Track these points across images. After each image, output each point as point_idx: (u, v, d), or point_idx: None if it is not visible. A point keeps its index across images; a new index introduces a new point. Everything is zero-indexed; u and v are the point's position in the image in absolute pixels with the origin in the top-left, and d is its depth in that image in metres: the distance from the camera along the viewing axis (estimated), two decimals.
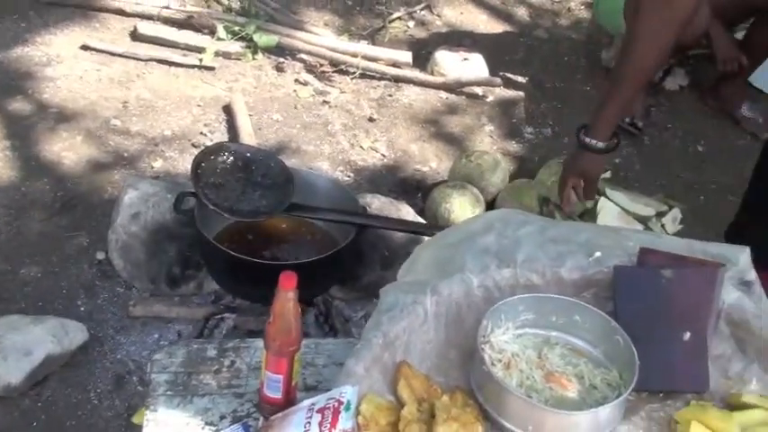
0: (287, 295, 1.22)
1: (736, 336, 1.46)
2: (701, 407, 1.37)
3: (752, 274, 1.59)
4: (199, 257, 2.46)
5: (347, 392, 1.22)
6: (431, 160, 3.23)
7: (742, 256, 1.55)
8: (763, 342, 1.43)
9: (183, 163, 2.94)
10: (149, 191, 2.51)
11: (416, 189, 3.06)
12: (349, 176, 3.08)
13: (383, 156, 3.21)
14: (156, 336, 2.35)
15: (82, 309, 2.40)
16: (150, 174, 2.89)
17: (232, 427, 1.24)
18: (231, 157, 2.43)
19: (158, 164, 2.95)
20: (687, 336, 1.42)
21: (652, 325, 1.43)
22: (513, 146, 3.38)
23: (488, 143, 3.36)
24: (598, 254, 1.51)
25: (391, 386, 1.33)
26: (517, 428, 1.31)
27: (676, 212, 3.07)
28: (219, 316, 2.40)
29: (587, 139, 2.15)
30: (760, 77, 3.78)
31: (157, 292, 2.48)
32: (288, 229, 2.49)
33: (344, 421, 1.18)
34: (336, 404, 1.21)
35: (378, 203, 2.62)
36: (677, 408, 1.39)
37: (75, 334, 2.26)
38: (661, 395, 1.42)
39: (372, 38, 3.83)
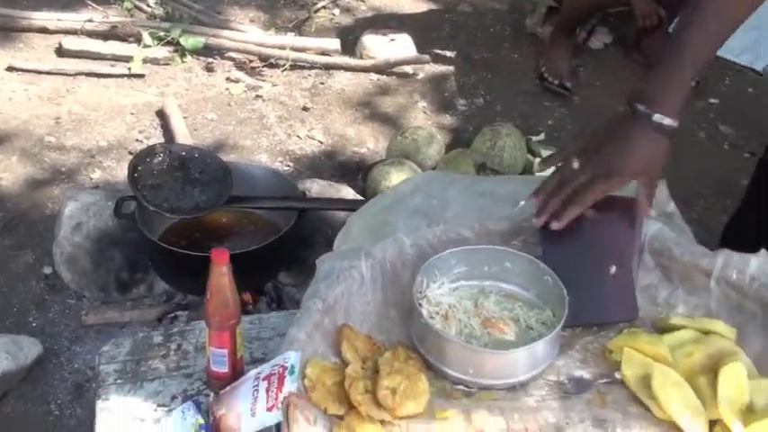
0: (221, 270, 1.26)
1: (660, 264, 1.52)
2: (633, 334, 1.43)
3: (671, 206, 1.66)
4: (146, 260, 2.48)
5: (290, 357, 1.26)
6: (368, 141, 3.28)
7: (662, 191, 1.62)
8: (684, 267, 1.50)
9: (122, 171, 2.95)
10: (89, 200, 2.52)
11: (356, 171, 3.11)
12: (289, 166, 3.12)
13: (320, 142, 3.25)
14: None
15: (34, 324, 2.41)
16: (90, 185, 2.90)
17: (183, 405, 1.27)
18: (167, 158, 2.44)
19: (97, 175, 2.96)
20: (614, 269, 1.48)
21: (580, 263, 1.48)
22: (448, 119, 3.44)
23: (423, 119, 3.42)
24: (522, 202, 1.57)
25: (335, 349, 1.37)
26: (459, 374, 1.35)
27: None
28: (172, 314, 2.43)
29: (656, 116, 1.41)
30: None
31: (108, 299, 2.50)
32: (230, 221, 2.52)
33: (290, 384, 1.22)
34: (281, 370, 1.24)
35: (317, 187, 2.66)
36: (610, 338, 1.45)
37: (30, 348, 2.27)
38: (594, 329, 1.48)
39: (299, 29, 3.87)
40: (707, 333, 1.43)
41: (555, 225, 1.45)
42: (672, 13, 3.60)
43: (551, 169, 1.51)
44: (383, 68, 3.60)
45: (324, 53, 3.64)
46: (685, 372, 1.37)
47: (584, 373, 1.41)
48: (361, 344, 1.38)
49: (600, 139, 1.46)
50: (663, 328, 1.47)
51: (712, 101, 3.68)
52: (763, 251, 1.50)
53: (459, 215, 1.54)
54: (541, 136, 3.34)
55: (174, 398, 1.35)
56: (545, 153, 3.09)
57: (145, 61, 3.49)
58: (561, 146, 3.25)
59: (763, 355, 1.41)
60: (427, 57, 3.62)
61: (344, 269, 1.43)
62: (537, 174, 2.71)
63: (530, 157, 3.08)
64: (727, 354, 1.38)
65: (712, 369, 1.35)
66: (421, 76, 3.64)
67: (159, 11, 3.75)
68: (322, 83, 3.54)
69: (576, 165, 1.44)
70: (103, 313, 2.45)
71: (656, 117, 1.40)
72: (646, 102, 1.41)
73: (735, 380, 1.32)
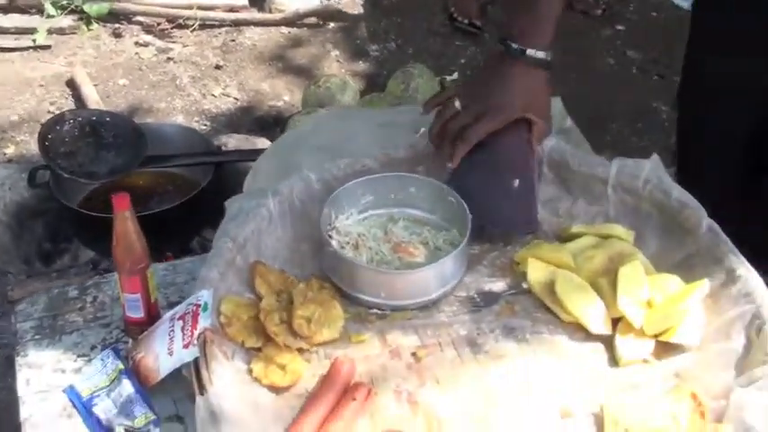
0: (123, 215, 1.27)
1: (560, 177, 1.58)
2: (537, 245, 1.48)
3: (568, 122, 1.71)
4: (67, 229, 2.47)
5: (203, 296, 1.28)
6: (283, 94, 3.28)
7: (555, 107, 1.67)
8: (582, 177, 1.55)
9: (36, 144, 2.91)
10: (3, 174, 2.49)
11: (274, 124, 3.12)
12: (206, 125, 3.11)
13: (236, 99, 3.24)
14: None
15: None
16: (4, 161, 2.85)
17: (102, 353, 1.29)
18: (77, 124, 2.42)
19: (11, 150, 2.92)
20: (516, 183, 1.53)
21: (484, 179, 1.52)
22: (361, 65, 3.45)
23: (336, 67, 3.43)
24: (423, 129, 1.60)
25: (249, 286, 1.40)
26: (371, 297, 1.40)
27: None
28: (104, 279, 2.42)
29: (529, 51, 1.44)
30: None
31: (33, 271, 2.48)
32: (149, 182, 2.51)
33: (204, 321, 1.24)
34: (195, 308, 1.27)
35: (234, 142, 2.67)
36: (516, 251, 1.50)
37: None
38: (501, 244, 1.53)
39: None
40: (607, 238, 1.50)
41: (449, 165, 1.50)
42: None
43: None
44: (293, 21, 3.60)
45: (232, 10, 3.62)
46: (588, 275, 1.43)
47: (493, 287, 1.46)
48: (274, 278, 1.41)
49: (480, 80, 1.50)
50: (565, 238, 1.52)
51: (619, 27, 3.75)
52: (654, 155, 1.56)
53: (362, 147, 1.57)
54: (455, 75, 3.38)
55: (93, 347, 1.37)
56: None
57: (50, 32, 3.42)
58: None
59: (660, 253, 1.48)
60: (335, 5, 3.62)
61: (253, 208, 1.45)
62: None
63: None
64: (626, 255, 1.45)
65: (613, 270, 1.41)
66: (331, 25, 3.65)
67: None
68: (233, 40, 3.52)
69: (457, 105, 1.48)
70: (29, 286, 2.42)
71: (529, 52, 1.44)
72: (516, 38, 1.44)
73: (633, 278, 1.38)
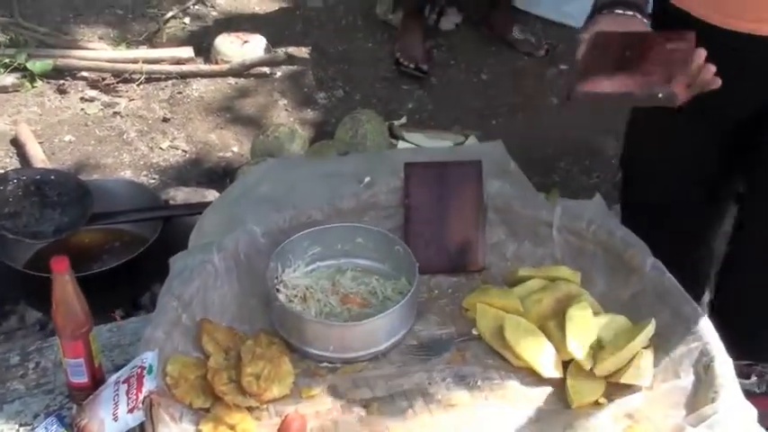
0: (63, 279, 1.25)
1: (505, 221, 1.59)
2: (484, 290, 1.49)
3: (511, 165, 1.73)
4: (13, 291, 2.42)
5: (148, 358, 1.26)
6: (232, 145, 3.27)
7: (498, 151, 1.68)
8: (527, 220, 1.56)
9: None
10: None
11: (224, 175, 3.09)
12: (154, 179, 3.08)
13: (184, 152, 3.22)
14: None
15: None
16: None
17: (46, 420, 1.26)
18: (21, 183, 2.38)
19: None
20: (461, 225, 1.54)
21: (433, 218, 1.53)
22: (309, 113, 3.46)
23: (285, 116, 3.43)
24: (368, 179, 1.60)
25: (196, 344, 1.38)
26: (320, 351, 1.38)
27: (473, 140, 3.24)
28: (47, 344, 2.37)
29: None
30: (523, 0, 4.01)
31: None
32: (96, 240, 2.47)
33: (149, 383, 1.22)
34: (139, 371, 1.24)
35: (182, 195, 2.65)
36: (465, 297, 1.50)
37: None
38: (449, 290, 1.53)
39: (151, 41, 3.81)
40: (554, 280, 1.50)
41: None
42: None
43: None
44: (240, 71, 3.59)
45: (178, 62, 3.61)
46: (537, 318, 1.44)
47: (443, 334, 1.46)
48: (221, 335, 1.39)
49: None
50: (513, 282, 1.53)
51: (563, 67, 3.80)
52: (597, 195, 1.58)
53: (308, 198, 1.57)
54: (403, 119, 3.40)
55: (36, 416, 1.33)
56: (408, 136, 3.15)
57: None
58: (423, 127, 3.32)
59: (607, 292, 1.49)
60: (282, 55, 3.63)
61: (198, 264, 1.43)
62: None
63: (393, 141, 3.13)
64: (573, 296, 1.46)
65: (561, 312, 1.41)
66: (278, 74, 3.65)
67: (2, 37, 3.64)
68: (180, 92, 3.51)
69: None
70: None
71: None
72: None
73: (581, 320, 1.39)
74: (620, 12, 1.35)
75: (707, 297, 1.66)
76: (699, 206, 1.66)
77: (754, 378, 1.61)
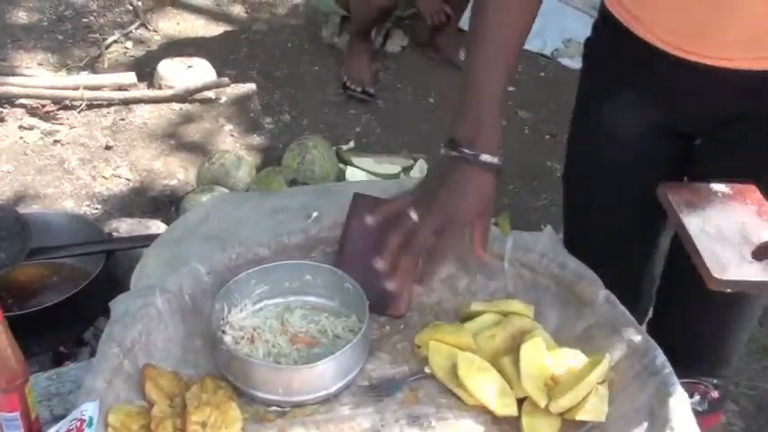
0: None
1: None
2: (436, 326, 1.45)
3: None
4: None
5: (88, 409, 1.20)
6: (177, 173, 3.21)
7: None
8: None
9: None
10: None
11: (169, 204, 3.04)
12: (97, 209, 3.01)
13: (128, 180, 3.16)
14: None
15: None
16: None
17: None
18: None
19: None
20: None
21: (366, 253, 1.46)
22: (256, 139, 3.42)
23: (231, 142, 3.38)
24: (315, 213, 1.57)
25: (139, 392, 1.32)
26: (269, 395, 1.34)
27: (422, 163, 3.23)
28: None
29: (483, 157, 1.36)
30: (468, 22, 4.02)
31: None
32: (36, 276, 2.40)
33: None
34: (79, 424, 1.19)
35: (126, 226, 2.59)
36: (417, 334, 1.47)
37: None
38: (401, 326, 1.50)
39: (92, 67, 3.74)
40: (507, 314, 1.48)
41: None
42: (457, 8, 3.71)
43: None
44: (184, 97, 3.54)
45: (120, 88, 3.55)
46: (490, 354, 1.41)
47: (396, 373, 1.42)
48: (166, 381, 1.34)
49: (433, 188, 1.38)
50: (465, 317, 1.50)
51: (509, 89, 3.80)
52: (548, 227, 1.56)
53: (254, 235, 1.53)
54: (351, 144, 3.38)
55: None
56: (356, 161, 3.13)
57: None
58: (371, 151, 3.30)
59: (560, 326, 1.47)
60: (227, 79, 3.59)
61: (139, 308, 1.38)
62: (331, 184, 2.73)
63: (341, 166, 3.10)
64: (526, 331, 1.43)
65: (515, 348, 1.39)
66: (224, 99, 3.61)
67: None
68: (122, 119, 3.44)
69: (414, 216, 1.35)
70: None
71: (483, 157, 1.35)
72: (468, 144, 1.36)
73: (535, 355, 1.36)
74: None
75: (650, 316, 1.66)
76: (637, 223, 1.65)
77: (696, 397, 1.61)
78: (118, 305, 1.41)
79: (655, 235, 1.68)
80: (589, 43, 1.62)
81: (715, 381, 1.61)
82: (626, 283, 1.47)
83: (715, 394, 1.61)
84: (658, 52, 1.41)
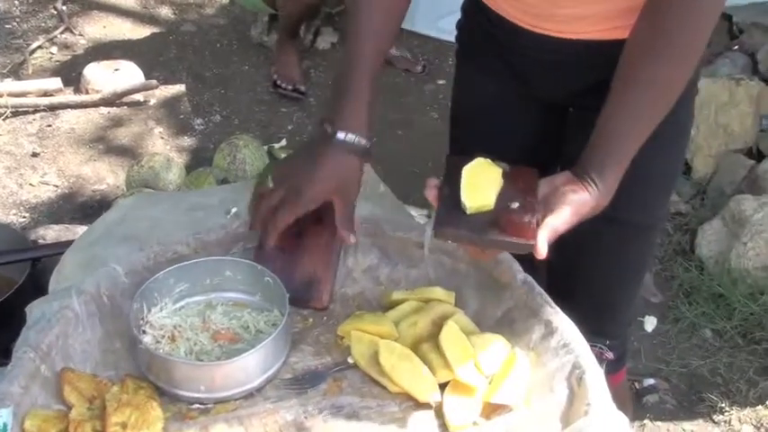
0: None
1: (377, 245, 1.56)
2: (358, 317, 1.46)
3: (381, 187, 1.71)
4: None
5: (2, 416, 1.19)
6: (107, 177, 3.17)
7: (368, 173, 1.66)
8: (398, 242, 1.54)
9: None
10: None
11: (99, 209, 3.00)
12: (25, 217, 2.96)
13: (56, 186, 3.11)
14: None
15: None
16: None
17: None
18: None
19: None
20: (312, 259, 1.49)
21: (286, 247, 1.47)
22: (187, 140, 3.39)
23: (161, 144, 3.35)
24: (234, 209, 1.56)
25: (58, 396, 1.31)
26: (190, 393, 1.33)
27: None
28: None
29: (348, 136, 1.40)
30: None
31: None
32: None
33: None
34: None
35: (52, 233, 2.55)
36: (339, 325, 1.47)
37: None
38: (324, 318, 1.50)
39: (16, 73, 3.67)
40: (428, 301, 1.49)
41: (266, 247, 1.44)
42: None
43: None
44: (112, 100, 3.50)
45: (46, 94, 3.49)
46: (413, 342, 1.42)
47: (319, 365, 1.42)
48: (84, 384, 1.32)
49: (294, 160, 1.47)
50: (388, 305, 1.51)
51: (440, 82, 3.85)
52: None
53: (172, 233, 1.51)
54: (283, 142, 3.37)
55: None
56: None
57: None
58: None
59: (481, 310, 1.48)
60: (155, 82, 3.55)
61: (56, 311, 1.36)
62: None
63: None
64: (447, 316, 1.44)
65: (437, 334, 1.40)
66: (153, 101, 3.57)
67: None
68: (49, 125, 3.39)
69: (270, 184, 1.43)
70: None
71: (339, 135, 1.39)
72: (333, 122, 1.40)
73: (456, 339, 1.37)
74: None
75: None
76: None
77: None
78: (34, 309, 1.39)
79: None
80: (459, 25, 1.66)
81: (607, 342, 1.65)
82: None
83: (610, 355, 1.65)
84: (513, 27, 1.47)
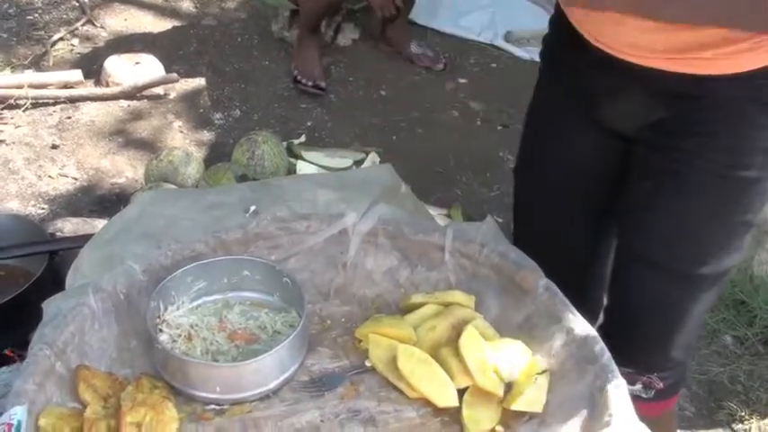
0: None
1: (396, 247, 1.54)
2: (377, 320, 1.44)
3: (402, 188, 1.69)
4: None
5: (16, 413, 1.18)
6: (126, 171, 3.16)
7: (388, 175, 1.65)
8: (419, 245, 1.52)
9: None
10: None
11: (118, 202, 2.99)
12: (43, 209, 2.95)
13: (75, 179, 3.10)
14: None
15: None
16: None
17: None
18: None
19: None
20: None
21: None
22: (206, 135, 3.37)
23: (180, 138, 3.34)
24: (253, 207, 1.55)
25: (73, 394, 1.30)
26: (207, 393, 1.32)
27: (374, 156, 3.21)
28: None
29: None
30: (419, 14, 4.01)
31: None
32: None
33: None
34: (6, 428, 1.16)
35: (70, 226, 2.54)
36: (357, 327, 1.45)
37: None
38: (342, 320, 1.49)
39: (37, 65, 3.67)
40: (448, 305, 1.47)
41: None
42: (408, 1, 3.70)
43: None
44: (132, 93, 3.48)
45: (66, 86, 3.48)
46: (431, 346, 1.40)
47: (336, 367, 1.41)
48: (100, 382, 1.31)
49: None
50: (407, 309, 1.49)
51: (461, 80, 3.81)
52: (488, 217, 1.55)
53: (190, 231, 1.50)
54: (302, 138, 3.35)
55: None
56: (307, 155, 3.10)
57: None
58: (323, 145, 3.28)
59: (501, 315, 1.46)
60: (175, 75, 3.54)
61: (72, 308, 1.35)
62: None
63: (292, 160, 3.07)
64: (467, 321, 1.42)
65: (456, 339, 1.38)
66: (173, 95, 3.55)
67: None
68: (69, 117, 3.38)
69: None
70: None
71: None
72: None
73: (475, 344, 1.35)
74: None
75: (600, 321, 1.65)
76: (586, 225, 1.66)
77: (639, 385, 1.61)
78: (50, 306, 1.38)
79: (600, 238, 1.68)
80: (545, 39, 1.62)
81: (656, 373, 1.61)
82: (571, 285, 1.46)
83: (660, 384, 1.61)
84: (584, 43, 1.42)
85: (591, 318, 1.40)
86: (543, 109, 1.64)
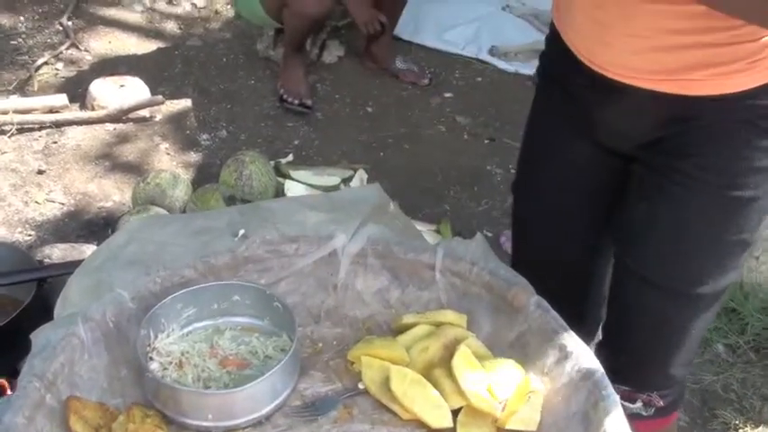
0: None
1: (386, 266, 1.54)
2: (369, 341, 1.43)
3: (391, 206, 1.69)
4: None
5: None
6: (113, 194, 3.15)
7: (376, 194, 1.64)
8: (409, 264, 1.52)
9: None
10: None
11: (105, 226, 2.98)
12: (30, 235, 2.94)
13: (62, 204, 3.09)
14: None
15: None
16: None
17: None
18: None
19: None
20: None
21: None
22: (193, 156, 3.37)
23: (167, 160, 3.33)
24: (242, 231, 1.54)
25: (63, 426, 1.28)
26: (198, 421, 1.31)
27: (362, 173, 3.21)
28: None
29: None
30: (403, 30, 4.02)
31: None
32: None
33: None
34: None
35: (58, 252, 2.53)
36: (349, 350, 1.45)
37: None
38: (334, 343, 1.48)
39: (22, 90, 3.66)
40: (439, 325, 1.46)
41: None
42: (392, 17, 3.70)
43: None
44: (118, 116, 3.48)
45: (52, 110, 3.47)
46: (423, 366, 1.39)
47: (329, 391, 1.40)
48: (90, 413, 1.30)
49: None
50: (399, 329, 1.48)
51: (447, 95, 3.82)
52: (478, 235, 1.55)
53: (179, 257, 1.49)
54: (290, 157, 3.35)
55: None
56: (295, 174, 3.10)
57: None
58: (311, 163, 3.28)
59: (493, 334, 1.45)
60: (161, 97, 3.53)
61: (61, 339, 1.34)
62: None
63: (280, 180, 3.07)
64: (459, 341, 1.42)
65: (449, 359, 1.37)
66: (159, 117, 3.55)
67: None
68: (55, 142, 3.37)
69: None
70: None
71: None
72: None
73: (468, 364, 1.35)
74: None
75: (598, 338, 1.65)
76: (584, 241, 1.66)
77: (639, 403, 1.61)
78: (39, 337, 1.36)
79: (597, 255, 1.68)
80: (542, 57, 1.62)
81: (655, 391, 1.60)
82: (570, 301, 1.46)
83: (660, 402, 1.61)
84: (576, 61, 1.42)
85: (589, 334, 1.40)
86: (540, 126, 1.65)
